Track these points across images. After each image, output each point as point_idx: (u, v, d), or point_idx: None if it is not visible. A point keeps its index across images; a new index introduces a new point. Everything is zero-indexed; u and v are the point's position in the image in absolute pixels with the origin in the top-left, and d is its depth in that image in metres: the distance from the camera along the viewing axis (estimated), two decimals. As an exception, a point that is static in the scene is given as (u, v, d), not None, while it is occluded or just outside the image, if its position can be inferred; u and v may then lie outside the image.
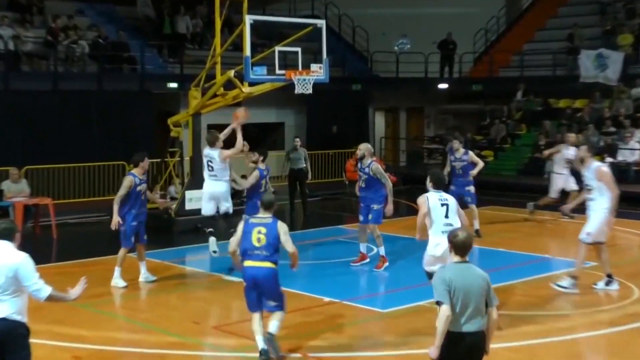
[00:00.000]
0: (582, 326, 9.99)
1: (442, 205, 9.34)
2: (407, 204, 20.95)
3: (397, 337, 9.60)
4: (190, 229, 16.67)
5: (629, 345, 9.31)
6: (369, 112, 28.98)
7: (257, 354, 8.51)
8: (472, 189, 15.90)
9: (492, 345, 9.04)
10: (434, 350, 6.28)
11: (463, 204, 15.99)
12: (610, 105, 24.52)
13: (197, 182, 17.05)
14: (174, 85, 23.05)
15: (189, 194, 17.06)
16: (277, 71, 14.98)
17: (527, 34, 29.91)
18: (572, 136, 18.13)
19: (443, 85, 29.23)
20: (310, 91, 15.19)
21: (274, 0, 29.82)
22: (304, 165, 19.32)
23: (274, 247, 8.53)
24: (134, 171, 12.07)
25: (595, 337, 9.63)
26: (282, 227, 8.54)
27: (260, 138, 27.91)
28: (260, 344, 8.52)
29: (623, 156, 22.11)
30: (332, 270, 13.17)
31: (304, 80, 14.96)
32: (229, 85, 16.20)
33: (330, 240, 16.08)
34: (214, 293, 11.96)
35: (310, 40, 18.32)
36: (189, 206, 16.98)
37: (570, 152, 17.32)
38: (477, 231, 15.68)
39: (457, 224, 9.21)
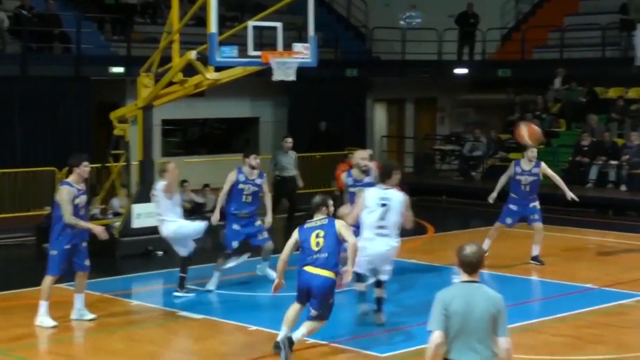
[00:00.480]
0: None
1: (382, 205, 11.30)
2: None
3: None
4: (138, 253, 16.72)
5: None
6: (367, 104, 29.10)
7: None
8: (537, 204, 15.96)
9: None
10: None
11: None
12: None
13: (146, 193, 17.09)
14: (118, 70, 23.03)
15: (137, 208, 17.08)
16: (251, 52, 15.07)
17: (569, 4, 30.16)
18: None
19: (462, 70, 29.37)
20: (294, 78, 15.29)
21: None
22: (295, 172, 19.45)
23: (333, 250, 9.82)
24: (70, 179, 11.96)
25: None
26: (339, 223, 10.15)
27: (229, 137, 28.07)
28: (282, 334, 9.96)
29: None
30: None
31: (285, 63, 15.06)
32: (189, 70, 16.26)
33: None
34: (167, 333, 12.02)
35: (293, 12, 18.45)
36: (137, 224, 16.99)
37: None
38: (535, 258, 15.84)
39: (393, 227, 11.43)
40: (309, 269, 9.85)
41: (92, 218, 18.01)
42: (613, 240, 17.96)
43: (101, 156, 18.61)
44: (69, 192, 11.64)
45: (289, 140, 19.62)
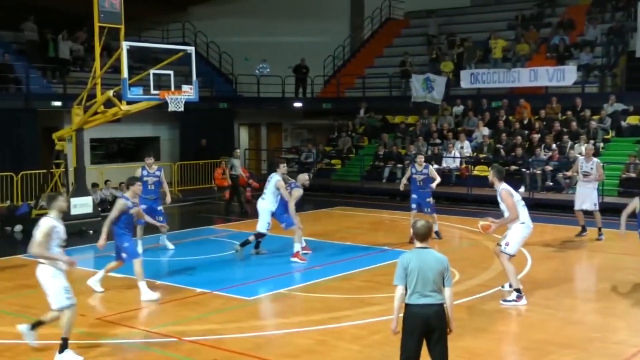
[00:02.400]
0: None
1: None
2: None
3: (259, 321, 9.74)
4: (75, 232, 16.22)
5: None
6: (234, 127, 28.99)
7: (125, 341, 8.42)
8: (431, 199, 15.30)
9: (340, 324, 9.38)
10: (393, 323, 6.53)
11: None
12: (436, 121, 25.54)
13: (80, 190, 16.71)
14: (57, 103, 22.28)
15: (73, 201, 16.59)
16: (152, 91, 14.91)
17: (368, 60, 30.71)
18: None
19: (298, 104, 29.60)
20: (182, 109, 15.22)
21: (149, 28, 29.36)
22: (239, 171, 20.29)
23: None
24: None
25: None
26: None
27: (138, 150, 27.49)
28: None
29: (447, 163, 23.13)
30: (204, 264, 13.16)
31: (176, 99, 14.96)
32: (108, 103, 15.87)
33: (202, 239, 16.03)
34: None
35: (181, 64, 18.18)
36: (73, 212, 16.51)
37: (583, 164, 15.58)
38: (437, 233, 15.23)
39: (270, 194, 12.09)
40: None
41: (40, 208, 17.44)
42: (400, 217, 18.42)
43: (46, 165, 17.94)
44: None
45: (237, 151, 20.75)
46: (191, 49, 15.91)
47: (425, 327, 6.41)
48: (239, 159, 20.38)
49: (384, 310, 10.05)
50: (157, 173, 14.18)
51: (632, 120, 22.61)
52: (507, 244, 10.61)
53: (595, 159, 15.70)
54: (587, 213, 15.58)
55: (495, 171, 10.66)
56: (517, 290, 10.56)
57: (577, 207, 15.55)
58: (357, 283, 11.76)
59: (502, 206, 10.53)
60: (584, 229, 15.68)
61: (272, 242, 14.41)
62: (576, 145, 20.97)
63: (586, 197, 15.42)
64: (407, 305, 6.45)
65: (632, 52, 23.74)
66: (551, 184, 20.97)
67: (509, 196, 10.46)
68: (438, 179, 15.25)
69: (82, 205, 16.48)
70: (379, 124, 27.24)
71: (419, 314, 6.40)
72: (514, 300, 10.50)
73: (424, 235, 6.56)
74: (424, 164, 15.33)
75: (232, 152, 20.48)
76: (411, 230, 14.59)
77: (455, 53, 27.55)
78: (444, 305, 6.48)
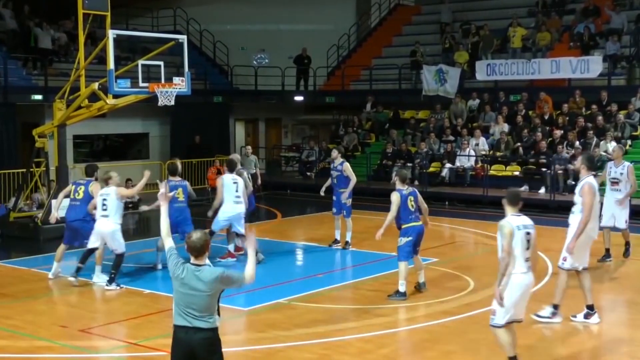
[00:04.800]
0: (424, 317, 10.44)
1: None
2: (266, 209, 21.21)
3: (256, 334, 9.73)
4: (56, 237, 16.22)
5: (465, 332, 9.80)
6: (230, 122, 29.02)
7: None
8: (348, 201, 14.80)
9: (345, 337, 9.39)
10: None
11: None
12: (449, 116, 25.52)
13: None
14: (38, 97, 22.31)
15: (55, 202, 16.56)
16: (141, 84, 14.91)
17: (376, 50, 30.70)
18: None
19: (299, 98, 29.62)
20: (173, 103, 15.23)
21: (137, 15, 29.40)
22: (255, 170, 19.39)
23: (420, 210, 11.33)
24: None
25: (435, 325, 10.07)
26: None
27: (126, 148, 27.56)
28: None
29: (460, 162, 23.12)
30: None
31: (167, 92, 14.98)
32: (93, 97, 15.89)
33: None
34: (81, 297, 11.72)
35: (172, 54, 18.26)
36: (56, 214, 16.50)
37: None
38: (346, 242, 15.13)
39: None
40: (413, 224, 11.62)
41: (19, 210, 17.48)
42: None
43: (25, 163, 17.98)
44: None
45: (249, 148, 20.28)
46: (183, 38, 15.92)
47: (191, 358, 5.94)
48: (249, 156, 20.21)
49: (392, 322, 10.07)
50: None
51: (662, 115, 22.50)
52: (564, 259, 9.98)
53: (626, 163, 13.87)
54: (615, 229, 13.82)
55: (584, 158, 10.07)
56: (555, 307, 10.10)
57: (604, 222, 13.08)
58: (363, 292, 11.74)
59: (577, 199, 9.95)
60: (608, 254, 13.85)
61: (271, 248, 14.41)
62: (602, 143, 20.96)
63: (616, 210, 13.50)
64: (174, 326, 6.05)
65: (663, 41, 23.73)
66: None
67: (591, 194, 9.79)
68: (353, 180, 14.55)
69: (64, 207, 16.42)
70: (387, 119, 27.22)
71: (182, 341, 5.95)
72: (548, 317, 10.07)
73: (199, 249, 5.98)
74: (341, 159, 14.79)
75: (243, 149, 20.46)
76: (336, 233, 14.89)
77: (470, 42, 27.52)
78: (216, 331, 5.99)
